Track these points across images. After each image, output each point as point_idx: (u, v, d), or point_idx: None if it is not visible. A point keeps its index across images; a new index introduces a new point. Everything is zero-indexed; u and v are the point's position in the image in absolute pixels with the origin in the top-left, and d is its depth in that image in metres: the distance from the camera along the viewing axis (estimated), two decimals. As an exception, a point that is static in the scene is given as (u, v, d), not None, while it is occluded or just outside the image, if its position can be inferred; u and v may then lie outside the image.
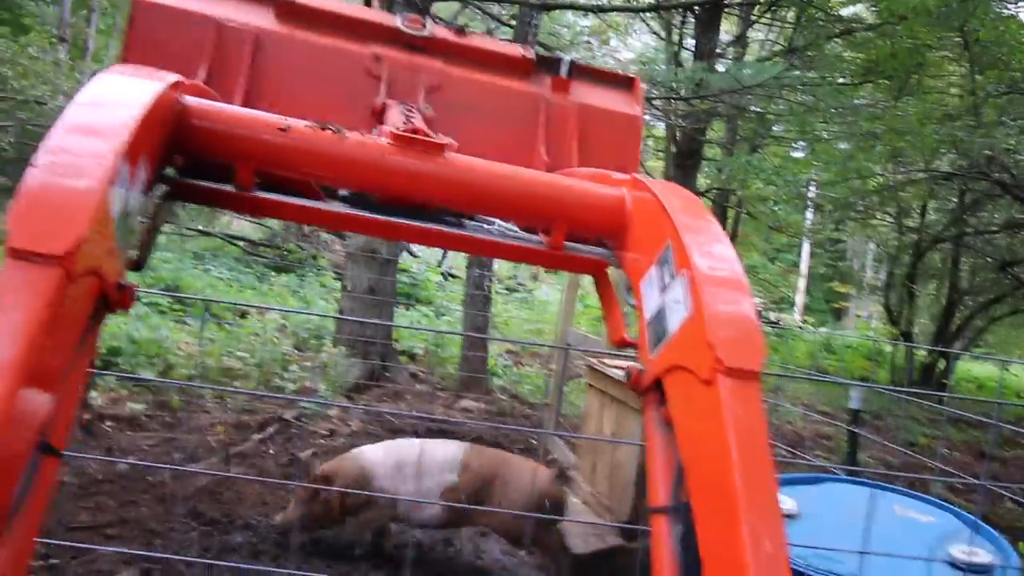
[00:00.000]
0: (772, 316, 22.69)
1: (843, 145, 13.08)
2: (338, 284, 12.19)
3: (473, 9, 8.99)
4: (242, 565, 3.37)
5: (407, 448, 4.32)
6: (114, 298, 1.27)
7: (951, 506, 3.61)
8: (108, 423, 5.18)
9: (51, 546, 3.63)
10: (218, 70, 1.98)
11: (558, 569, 4.23)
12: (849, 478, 4.12)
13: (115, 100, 1.31)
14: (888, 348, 16.43)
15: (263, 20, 2.10)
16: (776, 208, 15.22)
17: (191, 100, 1.53)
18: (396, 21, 2.20)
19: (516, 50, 2.30)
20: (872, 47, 11.54)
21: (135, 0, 2.01)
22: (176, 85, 1.48)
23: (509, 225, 1.89)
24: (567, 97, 2.28)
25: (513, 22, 8.91)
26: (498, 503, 4.13)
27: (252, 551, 4.17)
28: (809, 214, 17.88)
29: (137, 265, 1.54)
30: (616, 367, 4.76)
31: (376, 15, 2.23)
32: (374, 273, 8.47)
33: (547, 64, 2.29)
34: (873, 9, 12.30)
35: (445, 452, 4.27)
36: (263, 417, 6.14)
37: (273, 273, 15.24)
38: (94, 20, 23.82)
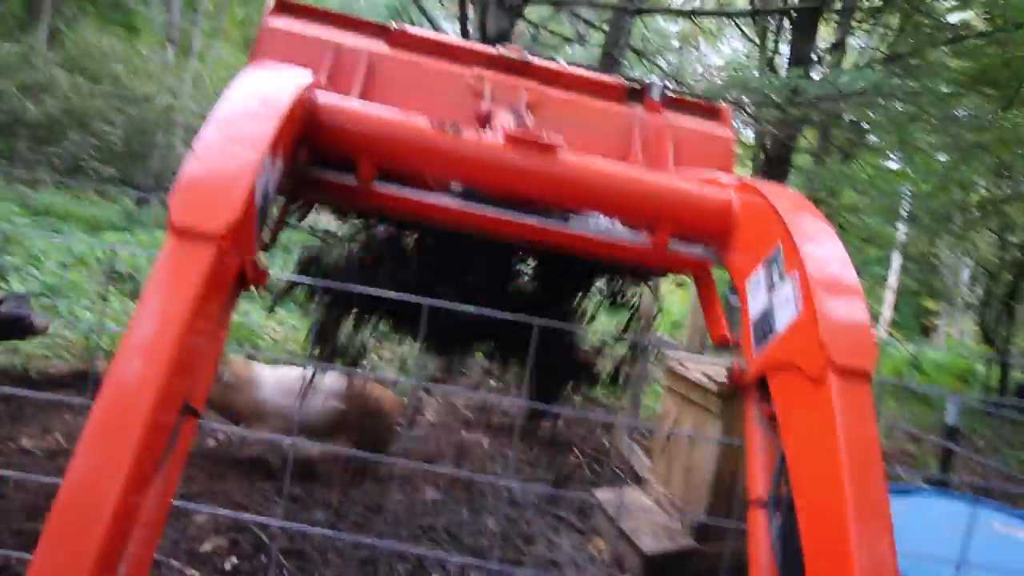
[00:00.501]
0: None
1: (943, 156, 12.50)
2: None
3: (565, 13, 9.06)
4: (325, 532, 3.56)
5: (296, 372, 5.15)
6: (251, 276, 1.38)
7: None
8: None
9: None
10: (334, 85, 2.12)
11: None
12: (942, 490, 3.94)
13: (262, 95, 1.42)
14: (981, 368, 15.63)
15: (376, 46, 2.25)
16: (868, 220, 14.66)
17: (322, 97, 1.64)
18: (496, 50, 2.32)
19: (610, 78, 2.39)
20: (982, 55, 10.99)
21: (263, 25, 2.18)
22: (312, 84, 1.60)
23: (613, 222, 1.93)
24: (660, 117, 2.34)
25: (605, 27, 8.94)
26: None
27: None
28: (902, 226, 17.16)
29: (266, 247, 1.68)
30: (697, 370, 4.75)
31: (477, 45, 2.37)
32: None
33: (639, 92, 2.37)
34: (985, 15, 11.72)
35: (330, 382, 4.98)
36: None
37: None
38: (199, 22, 25.02)
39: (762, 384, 1.44)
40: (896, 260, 27.11)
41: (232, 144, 1.28)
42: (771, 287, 1.45)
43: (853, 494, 1.13)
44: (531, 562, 4.59)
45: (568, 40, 9.76)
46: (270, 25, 2.18)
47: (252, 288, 1.43)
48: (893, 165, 14.63)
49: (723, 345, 1.79)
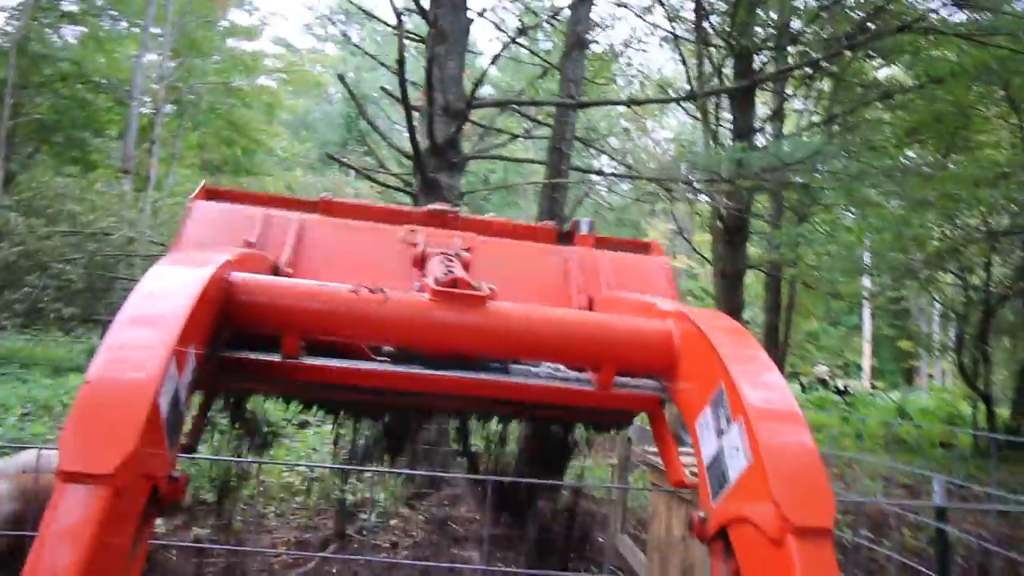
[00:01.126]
0: (840, 384, 21.87)
1: (895, 202, 12.85)
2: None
3: (510, 111, 9.31)
4: None
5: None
6: (165, 492, 1.29)
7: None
8: (172, 552, 5.23)
9: None
10: (264, 248, 2.09)
11: None
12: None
13: (169, 292, 1.36)
14: (968, 409, 15.61)
15: (305, 216, 2.27)
16: (833, 276, 14.88)
17: (238, 277, 1.60)
18: (427, 209, 2.39)
19: (541, 224, 2.50)
20: (914, 108, 11.46)
21: (188, 207, 2.17)
22: (225, 265, 1.55)
23: (556, 366, 1.89)
24: (593, 253, 2.40)
25: (550, 120, 9.19)
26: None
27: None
28: (867, 279, 17.45)
29: (189, 449, 1.59)
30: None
31: (407, 207, 2.42)
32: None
33: (569, 234, 2.42)
34: (908, 71, 12.30)
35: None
36: (324, 534, 6.11)
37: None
38: (155, 151, 25.45)
39: (723, 533, 1.40)
40: (867, 310, 27.48)
41: (132, 358, 1.21)
42: (720, 431, 1.42)
43: None
44: None
45: (515, 136, 10.00)
46: (196, 206, 2.18)
47: (167, 505, 1.35)
48: (848, 219, 14.98)
49: (681, 488, 1.75)
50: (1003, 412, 14.36)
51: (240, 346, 1.68)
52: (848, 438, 13.03)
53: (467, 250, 2.22)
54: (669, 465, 1.80)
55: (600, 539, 6.97)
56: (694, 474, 1.65)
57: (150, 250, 16.02)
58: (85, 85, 25.68)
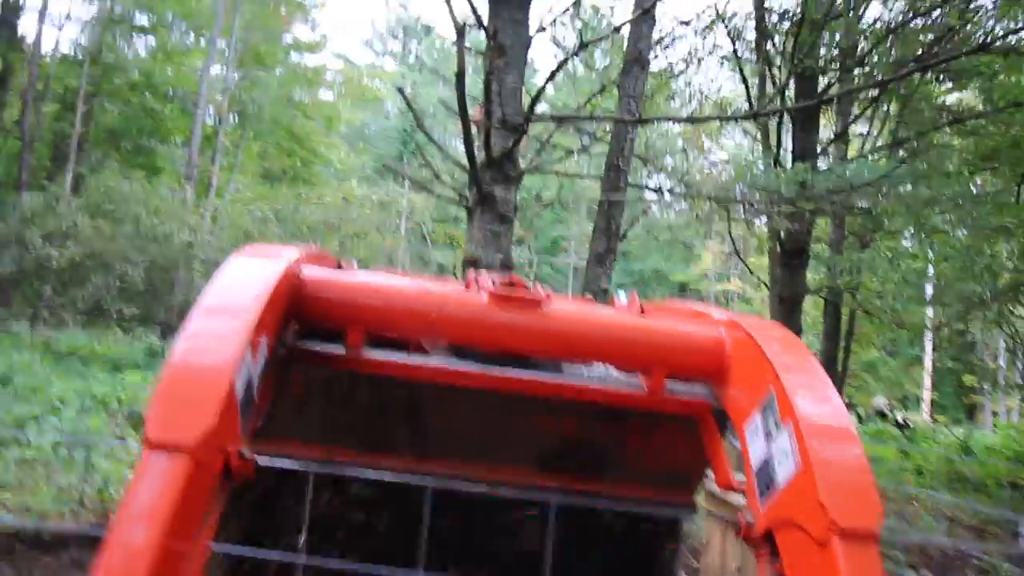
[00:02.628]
0: (900, 416, 21.08)
1: (962, 232, 12.35)
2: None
3: (567, 127, 9.26)
4: None
5: None
6: (237, 468, 1.35)
7: None
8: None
9: None
10: None
11: None
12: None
13: (245, 284, 1.45)
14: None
15: None
16: (898, 304, 14.38)
17: (308, 272, 1.67)
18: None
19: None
20: (985, 133, 11.02)
21: None
22: (297, 260, 1.63)
23: (607, 369, 1.90)
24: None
25: (607, 137, 9.10)
26: None
27: None
28: (930, 309, 16.82)
29: (259, 431, 1.60)
30: (738, 494, 4.46)
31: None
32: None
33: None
34: (982, 96, 11.85)
35: None
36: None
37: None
38: (217, 159, 26.20)
39: (770, 537, 1.41)
40: (929, 341, 26.50)
41: (212, 343, 1.30)
42: (768, 435, 1.44)
43: None
44: None
45: (571, 152, 9.95)
46: None
47: (237, 481, 1.41)
48: (912, 246, 14.51)
49: (729, 491, 1.76)
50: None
51: (307, 338, 1.75)
52: (908, 473, 12.51)
53: None
54: (718, 469, 1.81)
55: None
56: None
57: (208, 254, 16.45)
58: (153, 95, 26.71)
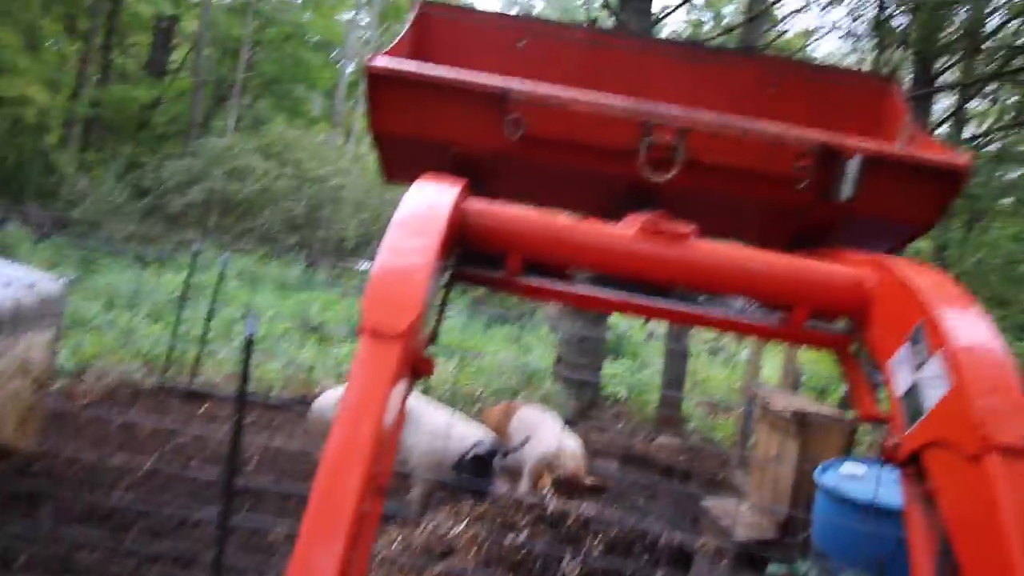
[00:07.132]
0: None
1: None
2: (551, 335, 13.99)
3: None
4: None
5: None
6: (422, 367, 1.52)
7: None
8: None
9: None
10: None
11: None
12: None
13: (428, 207, 1.63)
14: None
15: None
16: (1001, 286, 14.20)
17: (472, 203, 1.80)
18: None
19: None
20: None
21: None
22: (462, 191, 1.77)
23: (748, 302, 2.00)
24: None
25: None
26: None
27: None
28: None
29: (431, 339, 1.78)
30: (780, 403, 5.91)
31: None
32: (583, 326, 10.14)
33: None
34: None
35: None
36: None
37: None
38: (359, 108, 28.03)
39: (915, 460, 1.44)
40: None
41: (407, 252, 1.47)
42: (916, 366, 1.45)
43: None
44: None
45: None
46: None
47: (422, 377, 1.56)
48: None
49: (872, 421, 1.75)
50: None
51: (467, 262, 1.88)
52: None
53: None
54: (860, 400, 1.78)
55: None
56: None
57: (356, 196, 18.73)
58: (302, 46, 28.61)
